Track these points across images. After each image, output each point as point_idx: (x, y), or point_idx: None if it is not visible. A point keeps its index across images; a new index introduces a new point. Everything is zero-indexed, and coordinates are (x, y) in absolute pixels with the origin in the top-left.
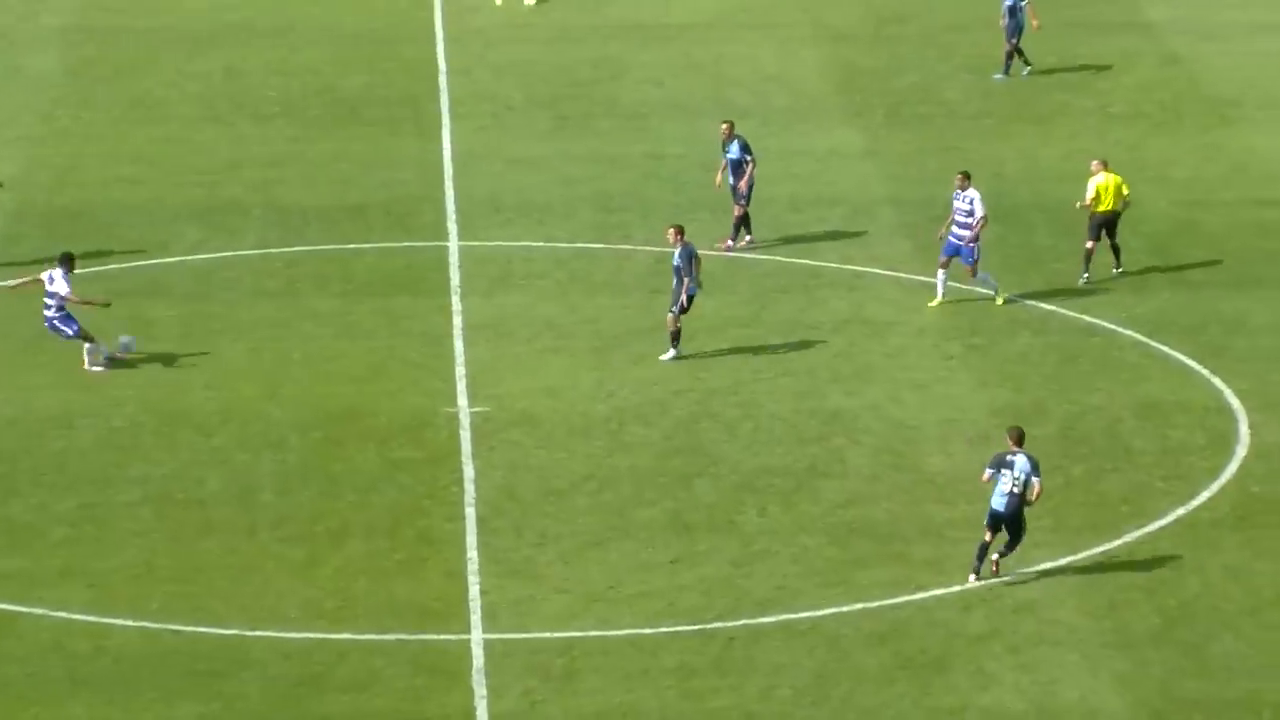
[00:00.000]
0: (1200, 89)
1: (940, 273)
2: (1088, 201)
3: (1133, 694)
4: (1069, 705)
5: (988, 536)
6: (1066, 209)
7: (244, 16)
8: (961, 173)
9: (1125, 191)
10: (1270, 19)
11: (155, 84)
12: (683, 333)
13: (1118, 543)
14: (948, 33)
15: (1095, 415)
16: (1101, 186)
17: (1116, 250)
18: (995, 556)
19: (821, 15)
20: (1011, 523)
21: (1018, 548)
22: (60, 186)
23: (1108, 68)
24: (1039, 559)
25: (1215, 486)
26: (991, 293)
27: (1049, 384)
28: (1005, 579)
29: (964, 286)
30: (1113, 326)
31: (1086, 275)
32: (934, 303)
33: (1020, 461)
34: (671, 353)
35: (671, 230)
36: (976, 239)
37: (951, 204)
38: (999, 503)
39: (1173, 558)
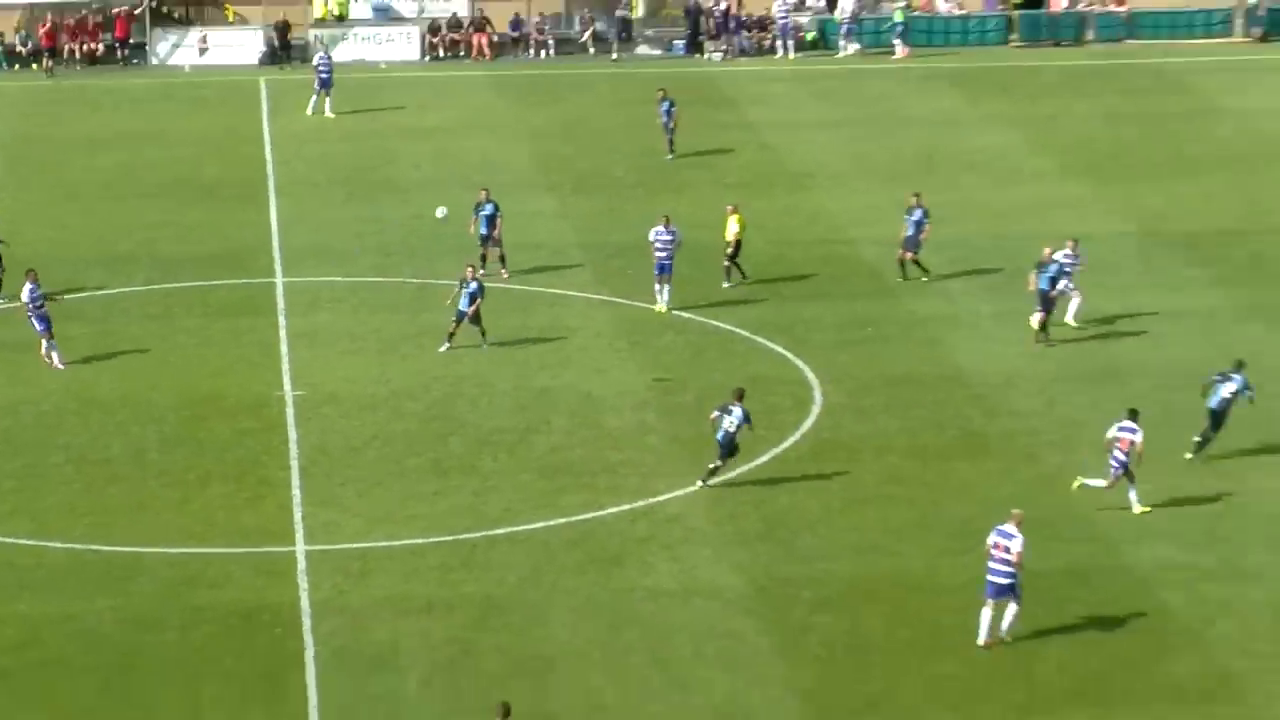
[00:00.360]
0: (785, 166)
1: (657, 286)
2: (731, 237)
3: (747, 575)
4: (704, 584)
5: (718, 461)
6: (695, 249)
7: (133, 127)
8: (664, 215)
9: (744, 224)
10: (829, 118)
11: (71, 175)
12: (439, 338)
13: (735, 474)
14: (612, 132)
15: (716, 389)
16: (738, 221)
17: (738, 268)
18: (713, 472)
19: (527, 120)
20: (727, 451)
21: (728, 462)
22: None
23: (726, 151)
24: (683, 485)
25: (798, 434)
26: (658, 303)
27: (687, 367)
28: (663, 497)
29: (636, 303)
30: (730, 327)
31: (729, 284)
32: (659, 308)
33: (736, 411)
34: (484, 341)
35: (469, 268)
36: (671, 257)
37: (654, 238)
38: (721, 437)
39: (771, 482)
